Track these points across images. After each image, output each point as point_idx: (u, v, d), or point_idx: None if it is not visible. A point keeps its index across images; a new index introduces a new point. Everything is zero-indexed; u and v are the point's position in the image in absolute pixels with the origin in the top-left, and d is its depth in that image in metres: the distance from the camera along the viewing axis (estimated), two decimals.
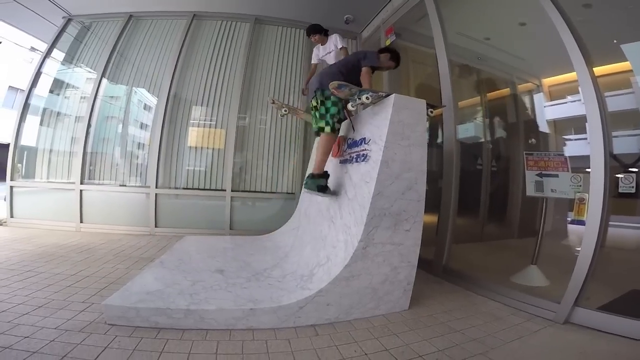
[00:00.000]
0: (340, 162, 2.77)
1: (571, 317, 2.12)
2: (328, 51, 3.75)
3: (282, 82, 5.23)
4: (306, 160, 4.80)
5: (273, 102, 3.46)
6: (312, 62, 3.96)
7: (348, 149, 2.68)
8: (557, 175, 2.80)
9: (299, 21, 5.28)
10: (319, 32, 3.75)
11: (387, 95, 2.28)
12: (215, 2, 4.98)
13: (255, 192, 4.91)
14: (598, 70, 2.29)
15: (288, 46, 5.38)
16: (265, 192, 4.94)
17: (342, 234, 2.33)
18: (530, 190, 2.91)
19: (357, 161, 2.43)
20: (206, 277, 2.44)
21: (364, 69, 2.66)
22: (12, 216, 4.61)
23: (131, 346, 1.66)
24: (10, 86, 17.94)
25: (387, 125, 2.17)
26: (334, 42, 3.72)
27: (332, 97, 2.59)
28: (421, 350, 1.77)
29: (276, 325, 1.96)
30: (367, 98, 2.28)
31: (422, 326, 2.08)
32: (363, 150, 2.39)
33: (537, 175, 2.88)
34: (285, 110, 3.40)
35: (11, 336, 1.67)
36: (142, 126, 5.14)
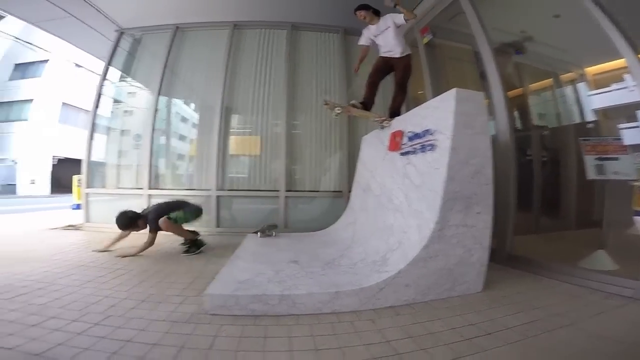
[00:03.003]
0: (401, 155, 2.96)
1: None
2: (385, 28, 3.58)
3: (323, 84, 5.54)
4: (352, 159, 5.03)
5: (326, 104, 3.57)
6: (361, 43, 3.78)
7: (409, 141, 2.87)
8: (617, 159, 2.85)
9: (333, 26, 5.61)
10: (365, 8, 3.58)
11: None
12: (252, 11, 5.33)
13: (306, 191, 5.21)
14: None
15: (324, 50, 5.68)
16: (316, 192, 5.24)
17: (413, 219, 2.51)
18: (592, 174, 2.96)
19: (422, 151, 2.62)
20: (284, 267, 2.68)
21: None
22: (87, 221, 5.18)
23: (238, 334, 1.82)
24: (63, 102, 19.48)
25: (452, 117, 2.35)
26: (392, 18, 3.54)
27: None
28: (507, 323, 1.90)
29: (357, 307, 2.14)
30: None
31: (500, 305, 2.19)
32: (428, 140, 2.58)
33: (596, 159, 2.93)
34: (339, 110, 3.51)
35: (128, 329, 1.84)
36: (199, 135, 5.55)
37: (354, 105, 3.59)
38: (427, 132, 2.61)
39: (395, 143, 3.05)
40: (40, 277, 2.73)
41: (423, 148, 2.60)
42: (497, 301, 2.26)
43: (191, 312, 2.09)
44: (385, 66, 3.68)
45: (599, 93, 3.76)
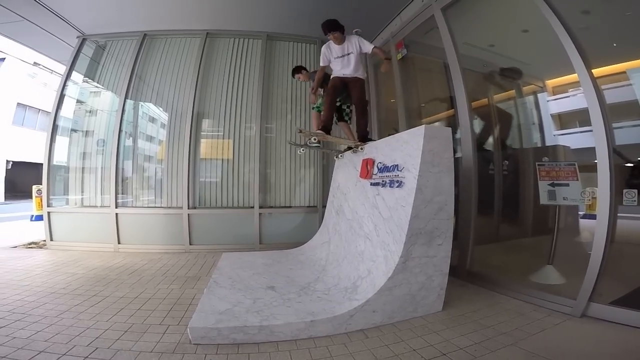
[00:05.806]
0: (371, 185, 3.30)
1: (587, 311, 2.65)
2: (348, 52, 3.74)
3: (297, 96, 5.81)
4: (325, 174, 5.39)
5: (301, 132, 3.68)
6: (322, 64, 3.94)
7: (379, 172, 3.21)
8: (567, 185, 3.24)
9: (309, 36, 5.87)
10: (339, 29, 3.66)
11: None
12: (227, 20, 5.46)
13: (280, 207, 5.51)
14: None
15: (301, 60, 5.92)
16: (290, 207, 5.55)
17: (380, 250, 2.86)
18: (544, 199, 3.38)
19: (390, 186, 2.96)
20: (262, 294, 2.96)
21: None
22: (51, 239, 5.16)
23: None
24: (18, 103, 18.51)
25: (419, 155, 2.67)
26: (358, 43, 3.73)
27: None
28: (460, 344, 2.29)
29: (331, 332, 2.46)
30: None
31: (456, 324, 2.60)
32: (396, 176, 2.92)
33: (549, 185, 3.35)
34: (315, 139, 3.65)
35: None
36: (170, 149, 5.60)
37: (314, 134, 3.74)
38: (396, 167, 2.94)
39: (366, 171, 3.37)
40: (15, 306, 2.84)
41: (392, 183, 2.94)
42: (454, 320, 2.66)
43: (176, 342, 2.30)
44: (341, 85, 3.88)
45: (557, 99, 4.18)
